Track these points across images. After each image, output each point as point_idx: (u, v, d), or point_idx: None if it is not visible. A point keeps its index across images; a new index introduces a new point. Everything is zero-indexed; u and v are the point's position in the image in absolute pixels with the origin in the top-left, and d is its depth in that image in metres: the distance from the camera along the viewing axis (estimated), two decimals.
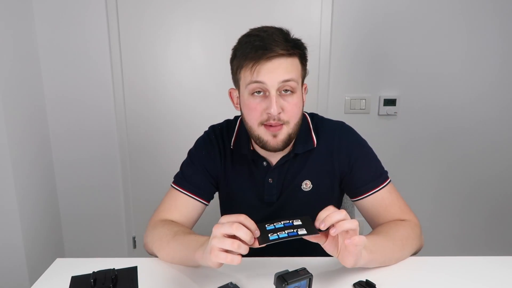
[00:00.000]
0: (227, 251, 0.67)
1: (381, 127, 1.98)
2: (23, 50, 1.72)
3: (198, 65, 1.90)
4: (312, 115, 1.05)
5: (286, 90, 0.87)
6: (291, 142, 0.93)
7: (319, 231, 0.70)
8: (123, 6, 1.82)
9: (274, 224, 0.71)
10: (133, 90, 1.92)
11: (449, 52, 1.89)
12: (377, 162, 1.01)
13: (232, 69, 0.93)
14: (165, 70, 1.90)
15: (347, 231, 0.70)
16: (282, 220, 0.72)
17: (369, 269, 0.84)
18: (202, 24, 1.85)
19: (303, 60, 0.90)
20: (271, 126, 0.88)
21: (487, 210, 2.09)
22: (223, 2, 1.82)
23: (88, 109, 1.91)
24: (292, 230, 0.69)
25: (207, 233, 0.79)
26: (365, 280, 0.79)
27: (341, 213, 0.69)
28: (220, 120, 1.10)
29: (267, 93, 0.86)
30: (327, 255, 0.76)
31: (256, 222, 0.70)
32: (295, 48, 0.86)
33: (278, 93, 0.86)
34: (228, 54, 0.93)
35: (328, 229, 0.70)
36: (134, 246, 2.10)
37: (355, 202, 1.01)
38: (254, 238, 0.69)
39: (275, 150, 0.91)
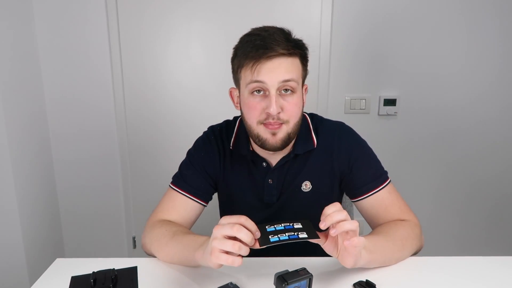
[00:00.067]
0: (227, 252, 0.67)
1: (381, 127, 1.98)
2: (23, 50, 1.72)
3: (198, 65, 1.90)
4: (312, 116, 1.05)
5: (286, 90, 0.86)
6: (290, 141, 0.93)
7: (318, 230, 0.70)
8: (123, 6, 1.82)
9: (275, 226, 0.71)
10: (133, 90, 1.92)
11: (449, 52, 1.89)
12: (377, 162, 1.01)
13: (232, 68, 0.93)
14: (165, 70, 1.90)
15: (347, 232, 0.70)
16: (283, 222, 0.72)
17: (369, 269, 0.84)
18: (202, 24, 1.85)
19: (304, 60, 0.90)
20: (270, 124, 0.87)
21: (487, 210, 2.09)
22: (223, 2, 1.82)
23: (88, 109, 1.91)
24: (293, 233, 0.69)
25: (207, 233, 0.79)
26: (365, 280, 0.79)
27: (342, 214, 0.69)
28: (220, 120, 1.09)
29: (267, 93, 0.86)
30: (327, 255, 0.76)
31: (256, 223, 0.70)
32: (296, 48, 0.86)
33: (278, 92, 0.86)
34: (228, 54, 0.93)
35: (327, 229, 0.70)
36: (134, 246, 2.11)
37: (355, 202, 1.01)
38: (255, 239, 0.69)
39: (274, 149, 0.91)
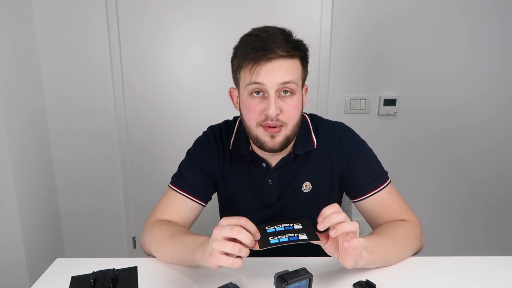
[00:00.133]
0: (227, 253, 0.67)
1: (381, 127, 1.98)
2: (23, 50, 1.72)
3: (198, 65, 1.90)
4: (312, 116, 1.05)
5: (285, 92, 0.86)
6: (289, 143, 0.93)
7: (318, 231, 0.70)
8: (123, 6, 1.82)
9: (275, 226, 0.71)
10: (133, 90, 1.92)
11: (449, 52, 1.89)
12: (377, 162, 1.01)
13: (232, 68, 0.92)
14: (165, 70, 1.90)
15: (347, 233, 0.70)
16: (283, 223, 0.71)
17: (369, 269, 0.84)
18: (202, 24, 1.85)
19: (304, 61, 0.89)
20: (269, 127, 0.87)
21: (487, 210, 2.09)
22: (223, 2, 1.82)
23: (88, 109, 1.91)
24: (293, 235, 0.69)
25: (207, 233, 0.79)
26: (365, 280, 0.79)
27: (341, 215, 0.69)
28: (219, 120, 1.09)
29: (266, 94, 0.86)
30: (327, 255, 0.76)
31: (256, 223, 0.70)
32: (296, 50, 0.86)
33: (277, 94, 0.85)
34: (228, 54, 0.93)
35: (328, 229, 0.70)
36: (134, 246, 2.11)
37: (355, 202, 1.00)
38: (255, 241, 0.69)
39: (272, 151, 0.91)
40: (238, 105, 0.95)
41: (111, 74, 1.87)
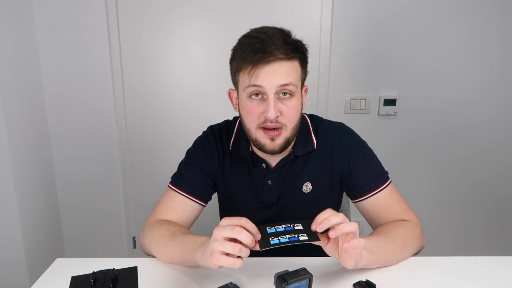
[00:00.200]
0: (228, 254, 0.67)
1: (381, 127, 1.98)
2: (23, 50, 1.72)
3: (198, 65, 1.90)
4: (312, 117, 1.04)
5: (284, 93, 0.85)
6: (289, 145, 0.92)
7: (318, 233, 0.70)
8: (123, 6, 1.82)
9: (275, 227, 0.71)
10: (133, 90, 1.92)
11: (449, 52, 1.89)
12: (377, 163, 1.00)
13: (231, 70, 0.92)
14: (165, 70, 1.90)
15: (346, 234, 0.70)
16: (283, 224, 0.71)
17: (369, 269, 0.84)
18: (202, 24, 1.85)
19: (303, 62, 0.89)
20: (269, 130, 0.87)
21: (487, 210, 2.09)
22: (223, 2, 1.82)
23: (88, 109, 1.91)
24: (293, 235, 0.69)
25: (207, 233, 0.79)
26: (365, 280, 0.79)
27: (339, 216, 0.69)
28: (219, 120, 1.09)
29: (265, 96, 0.85)
30: (327, 255, 0.76)
31: (256, 224, 0.70)
32: (295, 51, 0.85)
33: (276, 96, 0.85)
34: (228, 54, 0.93)
35: (328, 230, 0.70)
36: (134, 246, 2.11)
37: (356, 203, 1.00)
38: (255, 241, 0.69)
39: (272, 153, 0.91)
40: (237, 106, 0.95)
41: (111, 74, 1.87)
